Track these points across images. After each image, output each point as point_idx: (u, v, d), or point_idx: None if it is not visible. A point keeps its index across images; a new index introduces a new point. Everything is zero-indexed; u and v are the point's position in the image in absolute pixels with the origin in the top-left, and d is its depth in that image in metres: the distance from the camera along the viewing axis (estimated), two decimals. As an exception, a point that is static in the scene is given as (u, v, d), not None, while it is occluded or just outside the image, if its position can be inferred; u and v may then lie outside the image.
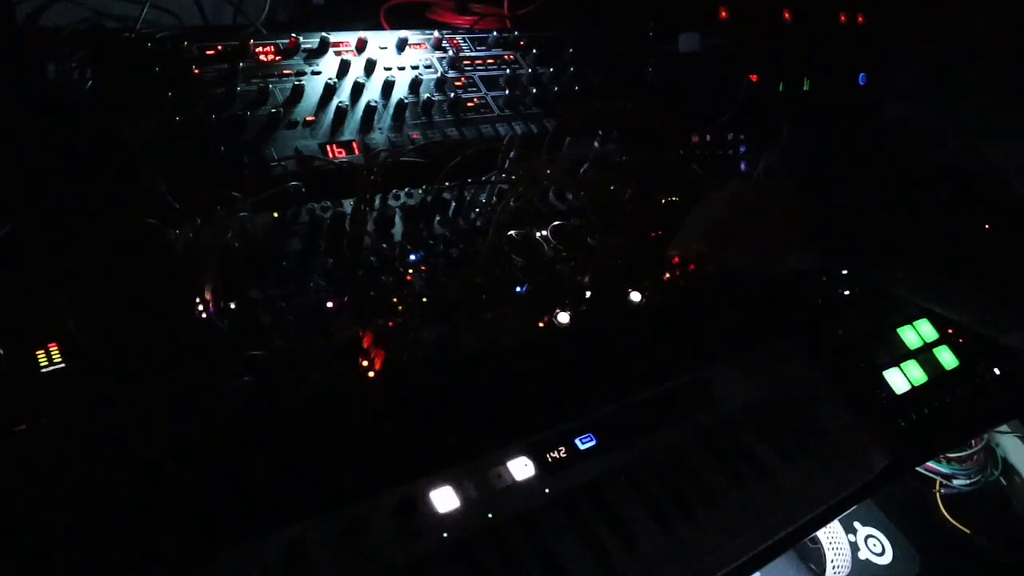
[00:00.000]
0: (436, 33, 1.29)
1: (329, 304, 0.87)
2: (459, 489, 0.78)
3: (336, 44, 1.20)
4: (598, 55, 1.40)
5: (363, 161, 1.05)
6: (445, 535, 0.75)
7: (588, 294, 1.00)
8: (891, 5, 1.55)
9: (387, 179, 0.98)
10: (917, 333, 1.23)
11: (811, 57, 1.47)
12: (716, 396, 1.00)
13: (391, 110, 1.14)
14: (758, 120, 1.36)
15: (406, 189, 1.04)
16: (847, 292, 1.23)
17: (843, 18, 1.50)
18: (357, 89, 1.14)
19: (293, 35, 1.16)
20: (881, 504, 1.72)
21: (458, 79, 1.25)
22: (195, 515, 0.67)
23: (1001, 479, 1.72)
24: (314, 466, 0.74)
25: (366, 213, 0.96)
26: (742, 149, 1.39)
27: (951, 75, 1.51)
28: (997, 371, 1.24)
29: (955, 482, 1.66)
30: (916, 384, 1.15)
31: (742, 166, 1.36)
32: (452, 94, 1.20)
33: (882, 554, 1.65)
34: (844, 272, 1.23)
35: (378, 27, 1.49)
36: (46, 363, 0.74)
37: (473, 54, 1.31)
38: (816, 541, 1.58)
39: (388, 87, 1.16)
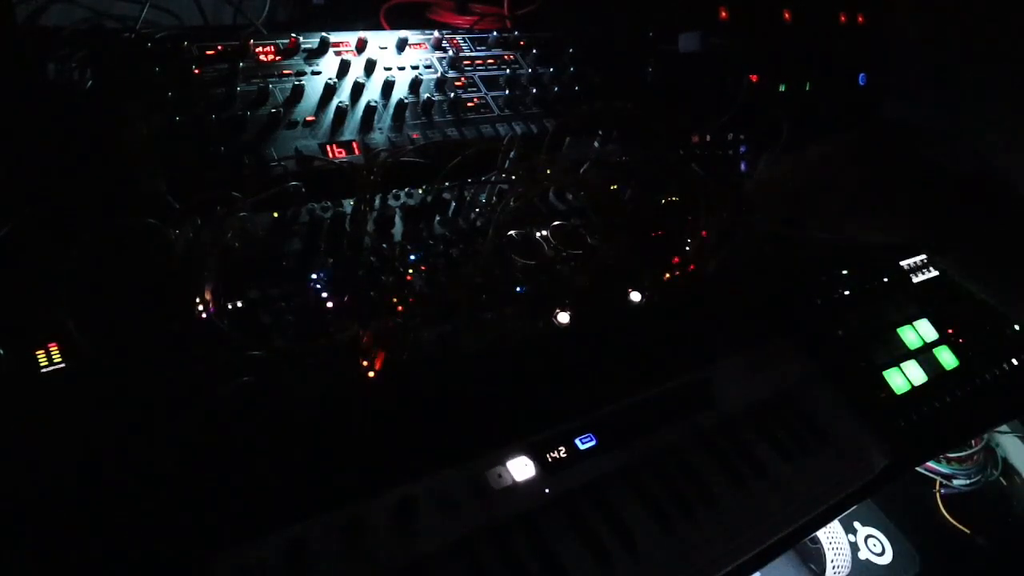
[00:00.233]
0: (436, 33, 1.29)
1: (329, 304, 0.87)
2: (459, 489, 0.78)
3: (336, 44, 1.20)
4: (598, 55, 1.40)
5: (363, 161, 1.05)
6: (445, 535, 0.75)
7: (588, 294, 1.00)
8: (891, 5, 1.55)
9: (387, 179, 0.98)
10: (917, 333, 1.23)
11: (811, 57, 1.47)
12: (716, 396, 1.00)
13: (391, 110, 1.14)
14: (758, 120, 1.35)
15: (406, 189, 1.04)
16: (847, 292, 1.23)
17: (843, 18, 1.50)
18: (357, 89, 1.14)
19: (293, 35, 1.16)
20: (881, 504, 1.72)
21: (458, 79, 1.25)
22: (195, 515, 0.67)
23: (1001, 479, 1.73)
24: (314, 466, 0.74)
25: (366, 213, 0.96)
26: (742, 149, 1.39)
27: (951, 75, 1.51)
28: (997, 371, 1.25)
29: (955, 482, 1.66)
30: (916, 384, 1.15)
31: (742, 166, 1.36)
32: (452, 94, 1.20)
33: (882, 554, 1.65)
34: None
35: (378, 27, 1.49)
36: (46, 363, 0.74)
37: (473, 54, 1.31)
38: (816, 541, 1.58)
39: (388, 87, 1.16)
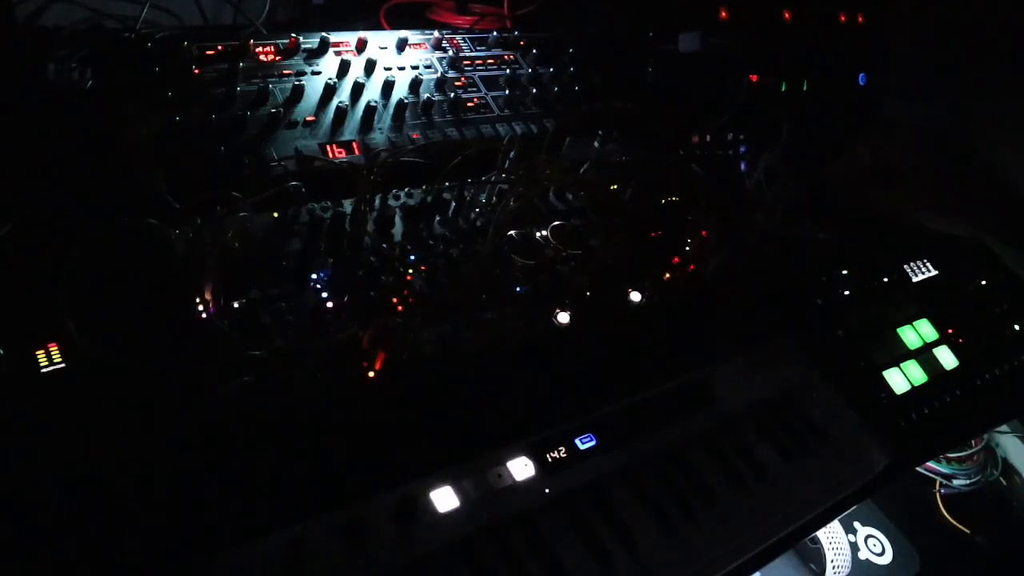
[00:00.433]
0: (436, 33, 1.29)
1: (329, 304, 0.87)
2: (459, 489, 0.78)
3: (336, 44, 1.20)
4: (598, 55, 1.40)
5: (363, 161, 1.05)
6: (445, 535, 0.75)
7: (588, 294, 1.00)
8: (891, 5, 1.55)
9: (387, 179, 0.98)
10: (917, 333, 1.23)
11: (811, 57, 1.47)
12: (716, 396, 1.00)
13: (391, 110, 1.14)
14: (758, 120, 1.35)
15: (406, 189, 1.04)
16: (847, 292, 1.23)
17: (843, 18, 1.50)
18: (357, 89, 1.14)
19: (293, 35, 1.16)
20: (881, 504, 1.72)
21: (458, 79, 1.25)
22: (195, 515, 0.67)
23: (1001, 479, 1.73)
24: (314, 466, 0.74)
25: (366, 213, 0.96)
26: (742, 149, 1.39)
27: (951, 75, 1.51)
28: (997, 371, 1.25)
29: (955, 482, 1.66)
30: (916, 384, 1.15)
31: (742, 166, 1.36)
32: (452, 94, 1.20)
33: (882, 554, 1.65)
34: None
35: (378, 27, 1.49)
36: (46, 363, 0.74)
37: (473, 54, 1.31)
38: (816, 541, 1.58)
39: (388, 87, 1.16)
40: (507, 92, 1.26)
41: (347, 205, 0.98)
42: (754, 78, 1.38)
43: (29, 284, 0.79)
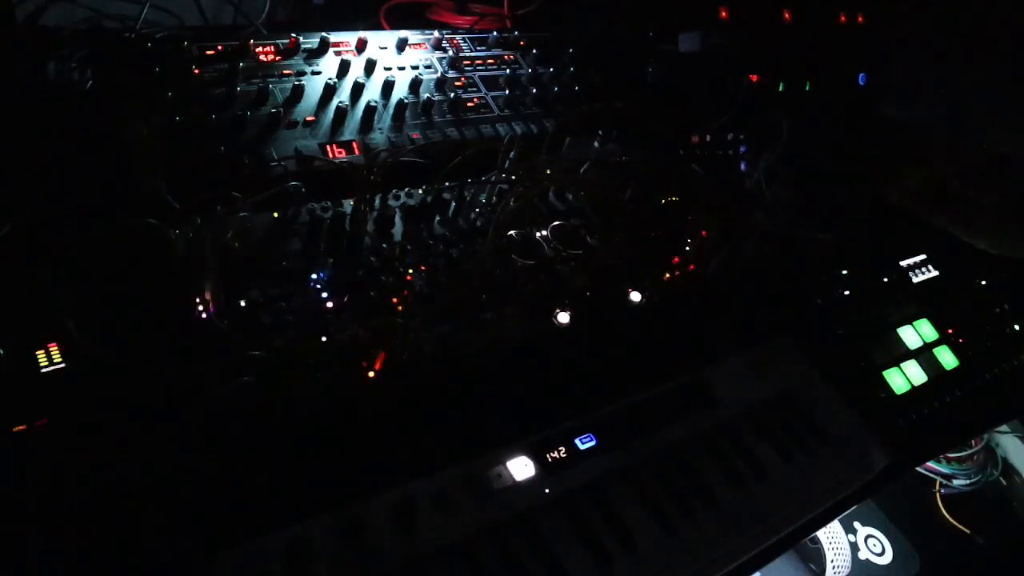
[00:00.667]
0: (436, 33, 1.29)
1: (329, 304, 0.87)
2: (459, 489, 0.78)
3: (336, 44, 1.20)
4: (598, 55, 1.40)
5: (363, 161, 1.05)
6: (445, 535, 0.75)
7: (588, 294, 1.00)
8: (891, 5, 1.55)
9: (387, 179, 0.98)
10: (917, 333, 1.23)
11: (811, 57, 1.47)
12: (716, 396, 1.00)
13: (391, 110, 1.14)
14: (758, 120, 1.35)
15: (406, 189, 1.04)
16: (847, 292, 1.23)
17: (843, 18, 1.50)
18: (357, 89, 1.14)
19: (293, 35, 1.16)
20: (881, 504, 1.72)
21: (458, 79, 1.25)
22: (195, 515, 0.67)
23: (1001, 479, 1.73)
24: (314, 466, 0.74)
25: (366, 213, 0.96)
26: (742, 149, 1.39)
27: (951, 74, 1.51)
28: (997, 371, 1.25)
29: (955, 482, 1.66)
30: (916, 384, 1.15)
31: (742, 166, 1.36)
32: (452, 94, 1.20)
33: (882, 554, 1.65)
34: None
35: (378, 27, 1.49)
36: (46, 363, 0.74)
37: (473, 54, 1.31)
38: (816, 541, 1.58)
39: (388, 87, 1.16)
40: (507, 92, 1.26)
41: (347, 205, 0.98)
42: (754, 78, 1.38)
43: (29, 284, 0.79)
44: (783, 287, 1.18)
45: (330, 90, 1.11)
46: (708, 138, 1.36)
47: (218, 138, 1.00)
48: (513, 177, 1.06)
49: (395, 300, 0.89)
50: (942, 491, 1.69)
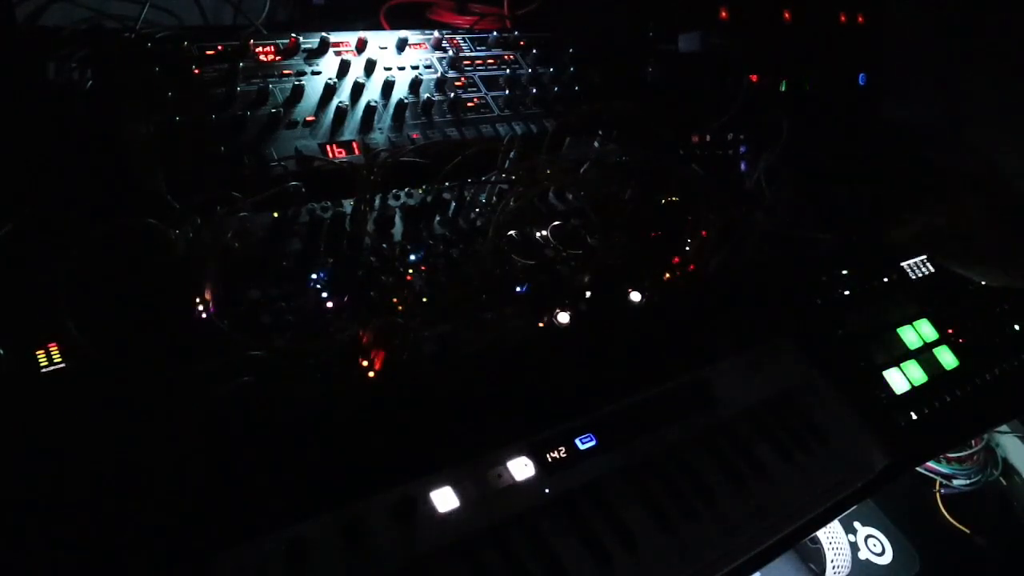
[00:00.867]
0: (436, 33, 1.29)
1: (329, 304, 0.87)
2: (459, 489, 0.78)
3: (336, 44, 1.20)
4: (598, 55, 1.40)
5: (363, 161, 1.04)
6: (445, 535, 0.75)
7: (588, 294, 1.00)
8: (891, 5, 1.55)
9: (387, 179, 0.98)
10: (917, 333, 1.23)
11: (811, 57, 1.48)
12: (716, 396, 1.00)
13: (391, 110, 1.14)
14: (758, 120, 1.36)
15: (406, 189, 1.04)
16: (847, 292, 1.23)
17: (843, 18, 1.50)
18: (357, 89, 1.14)
19: (293, 35, 1.16)
20: (881, 504, 1.72)
21: (458, 79, 1.25)
22: (195, 515, 0.67)
23: (1001, 479, 1.73)
24: (314, 466, 0.74)
25: (366, 213, 0.96)
26: (742, 149, 1.39)
27: (951, 75, 1.51)
28: (997, 371, 1.25)
29: (955, 482, 1.66)
30: (916, 384, 1.15)
31: (742, 166, 1.37)
32: (452, 94, 1.20)
33: (882, 554, 1.65)
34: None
35: (378, 27, 1.49)
36: (46, 363, 0.74)
37: (473, 54, 1.31)
38: (816, 541, 1.58)
39: (388, 87, 1.16)
40: (507, 92, 1.26)
41: (347, 205, 0.98)
42: (754, 78, 1.38)
43: (29, 284, 0.79)
44: (783, 287, 1.18)
45: (330, 90, 1.11)
46: (708, 138, 1.36)
47: (218, 138, 1.00)
48: (513, 177, 1.05)
49: (395, 300, 0.89)
50: (942, 491, 1.69)
